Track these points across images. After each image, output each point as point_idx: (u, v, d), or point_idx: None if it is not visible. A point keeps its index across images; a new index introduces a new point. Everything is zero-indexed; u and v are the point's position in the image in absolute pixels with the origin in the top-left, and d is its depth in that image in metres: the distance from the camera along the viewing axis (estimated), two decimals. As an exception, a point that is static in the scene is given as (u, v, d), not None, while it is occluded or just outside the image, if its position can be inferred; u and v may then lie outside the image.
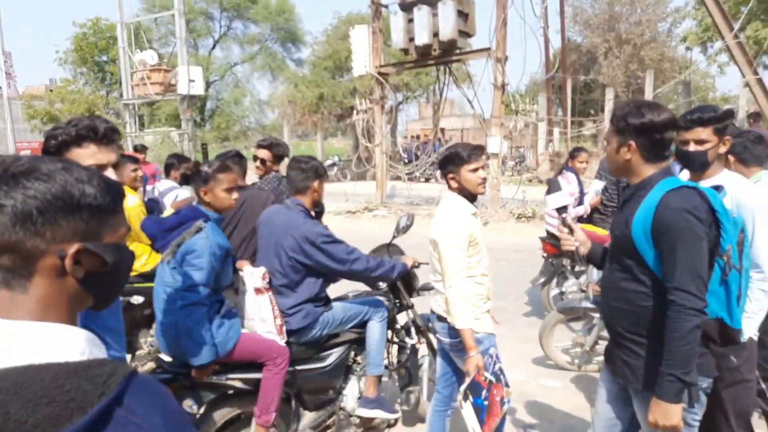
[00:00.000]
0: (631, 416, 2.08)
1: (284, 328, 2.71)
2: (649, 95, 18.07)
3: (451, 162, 2.56)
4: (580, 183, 5.29)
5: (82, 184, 0.77)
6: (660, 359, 1.80)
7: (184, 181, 2.74)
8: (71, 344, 0.74)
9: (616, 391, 2.11)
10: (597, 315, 3.99)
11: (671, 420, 1.75)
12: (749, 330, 2.23)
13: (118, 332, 1.64)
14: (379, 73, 11.87)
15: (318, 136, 26.88)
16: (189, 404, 2.53)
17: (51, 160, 0.78)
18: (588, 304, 4.00)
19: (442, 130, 22.02)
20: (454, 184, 2.57)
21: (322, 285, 2.82)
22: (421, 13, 10.50)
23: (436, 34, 10.48)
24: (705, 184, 2.28)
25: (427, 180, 18.03)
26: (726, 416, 2.23)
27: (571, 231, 2.23)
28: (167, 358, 2.54)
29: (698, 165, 2.32)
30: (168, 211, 4.40)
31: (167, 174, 5.30)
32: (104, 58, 28.42)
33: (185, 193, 4.89)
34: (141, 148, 8.86)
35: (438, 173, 19.49)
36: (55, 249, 0.75)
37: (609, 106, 19.90)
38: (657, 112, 1.85)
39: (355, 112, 13.96)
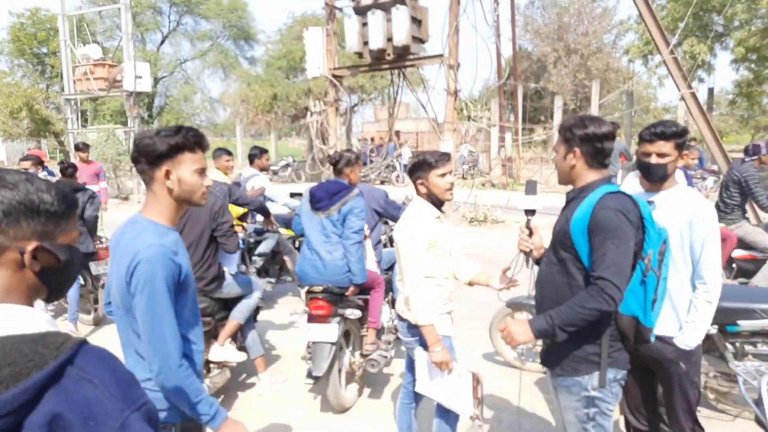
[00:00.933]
0: None
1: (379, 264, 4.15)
2: (595, 103, 18.79)
3: (419, 168, 2.67)
4: (688, 177, 5.19)
5: (41, 192, 0.94)
6: (572, 346, 2.05)
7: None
8: (29, 321, 0.89)
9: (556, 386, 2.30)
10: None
11: (518, 337, 2.03)
12: (696, 338, 2.41)
13: (197, 326, 1.81)
14: (334, 75, 11.82)
15: (272, 136, 26.50)
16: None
17: (16, 172, 0.95)
18: (532, 301, 4.12)
19: (397, 132, 22.14)
20: (422, 190, 2.68)
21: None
22: (375, 17, 10.53)
23: (390, 39, 10.52)
24: (661, 195, 2.47)
25: (382, 182, 18.08)
26: (677, 414, 2.49)
27: (531, 234, 2.36)
28: (317, 288, 3.65)
29: (658, 177, 2.45)
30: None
31: (251, 162, 6.13)
32: (44, 50, 27.09)
33: (261, 181, 5.89)
34: (83, 147, 8.44)
35: (393, 175, 19.60)
36: (16, 245, 0.92)
37: (558, 113, 20.57)
38: (598, 124, 2.07)
39: (309, 113, 13.84)
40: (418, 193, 2.72)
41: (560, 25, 29.46)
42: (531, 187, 2.34)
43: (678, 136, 2.39)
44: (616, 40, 29.61)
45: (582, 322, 1.92)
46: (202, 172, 1.72)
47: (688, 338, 2.40)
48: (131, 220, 1.74)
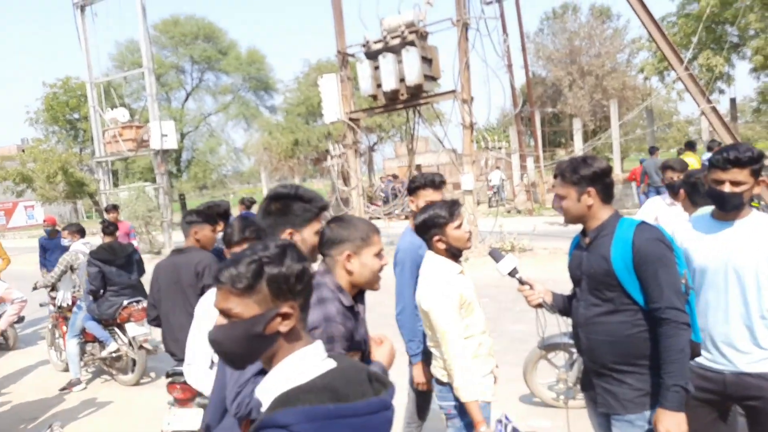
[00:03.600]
0: None
1: None
2: (615, 123, 18.66)
3: (433, 225, 2.47)
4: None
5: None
6: (637, 382, 2.09)
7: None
8: None
9: (603, 423, 2.29)
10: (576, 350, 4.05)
11: (682, 427, 1.96)
12: None
13: None
14: (350, 119, 12.09)
15: (296, 180, 27.04)
16: None
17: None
18: (567, 339, 4.03)
19: (419, 167, 22.33)
20: (441, 246, 2.49)
21: None
22: (386, 60, 10.81)
23: (402, 80, 10.76)
24: (736, 225, 2.31)
25: (406, 217, 18.16)
26: None
27: (531, 287, 2.38)
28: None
29: (733, 206, 2.27)
30: None
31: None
32: (75, 116, 28.48)
33: None
34: (111, 208, 8.76)
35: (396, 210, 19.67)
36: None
37: (578, 135, 20.48)
38: (599, 162, 2.19)
39: (329, 156, 14.11)
40: (435, 250, 2.52)
41: (572, 49, 29.65)
42: (496, 255, 2.39)
43: (754, 161, 2.19)
44: (629, 59, 29.63)
45: (688, 359, 2.00)
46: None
47: None
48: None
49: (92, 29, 16.71)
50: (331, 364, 1.14)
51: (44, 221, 8.43)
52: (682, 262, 2.13)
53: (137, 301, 5.63)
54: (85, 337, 5.86)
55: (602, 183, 2.16)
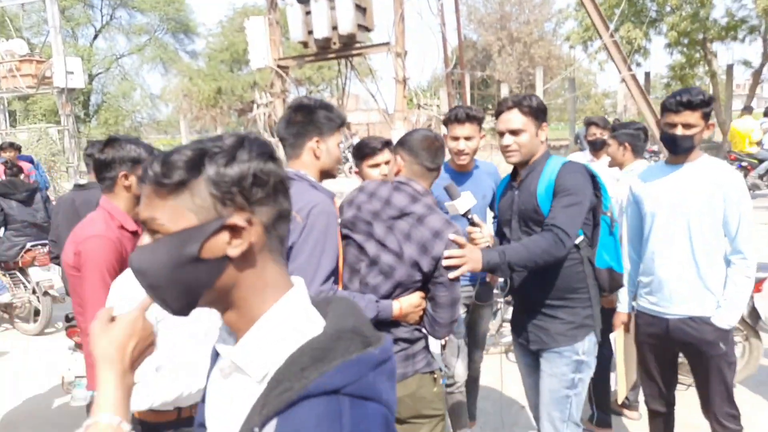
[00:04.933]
0: None
1: None
2: (539, 90, 19.19)
3: (354, 156, 2.61)
4: None
5: None
6: (568, 315, 2.13)
7: None
8: None
9: (532, 363, 2.33)
10: (500, 300, 4.17)
11: (470, 264, 1.87)
12: (736, 316, 2.29)
13: None
14: (279, 66, 11.54)
15: (218, 131, 25.78)
16: None
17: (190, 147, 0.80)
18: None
19: (348, 124, 21.96)
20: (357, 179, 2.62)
21: None
22: (318, 5, 10.31)
23: (335, 28, 10.34)
24: (686, 167, 2.31)
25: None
26: (713, 399, 2.35)
27: (480, 227, 2.22)
28: None
29: (684, 149, 2.27)
30: None
31: None
32: (-36, 46, 25.22)
33: None
34: (7, 146, 7.82)
35: (346, 167, 19.50)
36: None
37: (504, 101, 20.89)
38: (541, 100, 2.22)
39: (255, 105, 13.47)
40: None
41: (503, 15, 30.03)
42: (453, 192, 2.17)
43: (705, 105, 2.21)
44: (556, 28, 30.46)
45: (532, 263, 1.98)
46: None
47: (728, 316, 2.26)
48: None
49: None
50: (333, 306, 0.85)
51: None
52: (607, 197, 2.19)
53: (43, 244, 5.12)
54: None
55: (547, 119, 2.21)
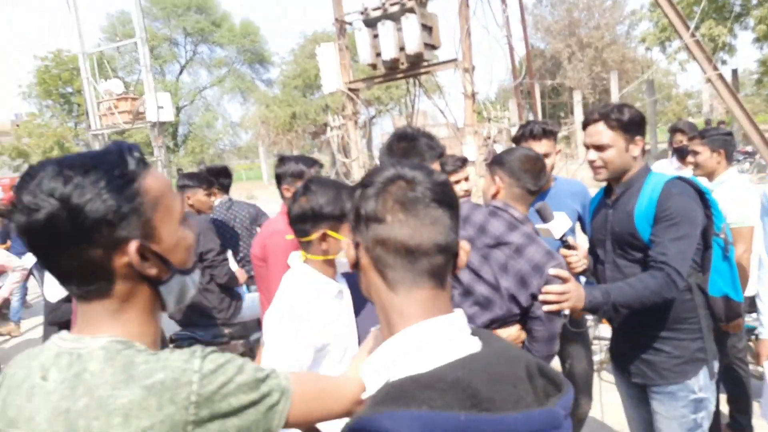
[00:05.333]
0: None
1: None
2: (615, 95, 18.50)
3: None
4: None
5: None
6: (676, 349, 1.92)
7: None
8: None
9: (636, 395, 2.13)
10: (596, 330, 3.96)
11: (572, 301, 1.73)
12: None
13: None
14: (349, 89, 11.93)
15: (295, 154, 26.83)
16: None
17: (425, 167, 0.86)
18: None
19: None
20: None
21: None
22: (385, 28, 10.61)
23: (402, 48, 10.58)
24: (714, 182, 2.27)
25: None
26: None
27: (576, 249, 2.04)
28: None
29: None
30: None
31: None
32: (69, 89, 28.02)
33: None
34: None
35: None
36: (456, 246, 0.86)
37: (578, 108, 20.32)
38: (637, 110, 1.98)
39: (328, 128, 13.96)
40: None
41: (571, 21, 29.26)
42: (546, 214, 1.97)
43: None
44: (629, 31, 29.29)
45: (639, 304, 1.80)
46: None
47: None
48: None
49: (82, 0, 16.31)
50: (475, 345, 0.78)
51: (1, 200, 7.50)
52: (719, 217, 1.96)
53: None
54: None
55: (644, 132, 1.98)
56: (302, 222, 1.67)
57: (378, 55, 10.99)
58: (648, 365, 1.98)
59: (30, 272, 4.47)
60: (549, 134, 2.58)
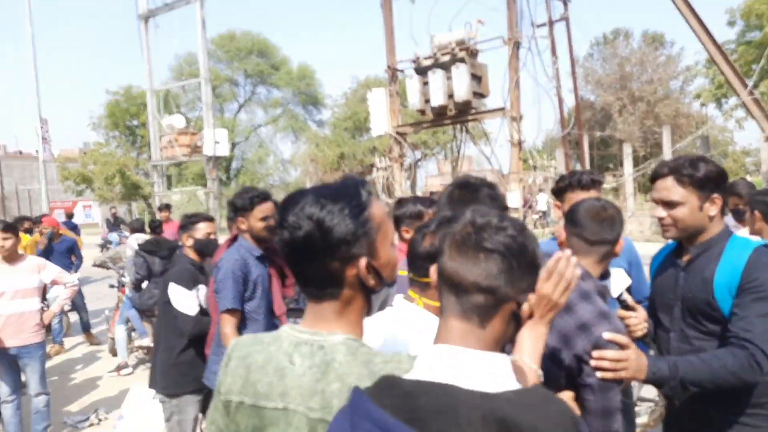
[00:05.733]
0: None
1: None
2: (667, 150, 18.14)
3: None
4: None
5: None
6: (752, 417, 1.71)
7: None
8: (512, 373, 0.90)
9: None
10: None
11: (631, 372, 1.53)
12: None
13: None
14: (397, 133, 12.25)
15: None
16: None
17: (514, 222, 0.95)
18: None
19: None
20: None
21: None
22: (435, 76, 10.94)
23: (451, 96, 10.86)
24: None
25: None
26: None
27: (635, 310, 1.86)
28: None
29: None
30: None
31: None
32: (135, 122, 29.78)
33: None
34: (164, 207, 9.16)
35: None
36: (518, 297, 0.91)
37: (628, 161, 19.98)
38: (717, 163, 1.80)
39: (375, 169, 14.29)
40: None
41: (622, 75, 29.13)
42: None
43: None
44: (683, 86, 28.83)
45: (712, 385, 1.62)
46: None
47: None
48: None
49: (154, 40, 17.63)
50: (488, 386, 0.84)
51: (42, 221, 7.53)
52: None
53: None
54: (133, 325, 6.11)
55: (725, 189, 1.78)
56: (426, 261, 1.56)
57: (427, 101, 11.33)
58: None
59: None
60: (597, 184, 2.42)
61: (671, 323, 1.85)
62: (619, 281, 1.81)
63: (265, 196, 3.00)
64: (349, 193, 1.03)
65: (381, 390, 0.83)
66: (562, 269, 1.30)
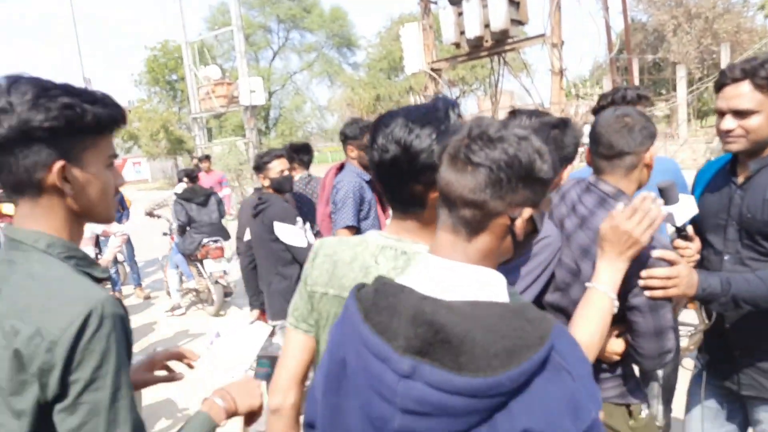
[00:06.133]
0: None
1: None
2: (724, 70, 16.87)
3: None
4: None
5: (539, 158, 0.87)
6: None
7: None
8: (500, 288, 0.87)
9: (730, 408, 1.89)
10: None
11: (682, 287, 1.43)
12: None
13: None
14: (432, 69, 11.86)
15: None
16: None
17: (516, 132, 0.87)
18: None
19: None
20: None
21: None
22: (470, 5, 10.39)
23: (487, 25, 10.33)
24: None
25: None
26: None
27: (692, 241, 1.71)
28: None
29: None
30: None
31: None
32: (174, 77, 30.14)
33: None
34: (203, 158, 9.35)
35: None
36: (509, 212, 0.86)
37: (682, 84, 18.78)
38: None
39: (411, 110, 14.03)
40: None
41: (679, -10, 26.87)
42: (671, 194, 1.59)
43: None
44: (747, -2, 26.38)
45: (766, 303, 1.50)
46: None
47: None
48: None
49: (186, -9, 17.45)
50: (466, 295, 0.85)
51: None
52: None
53: (215, 240, 6.07)
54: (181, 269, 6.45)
55: None
56: None
57: (462, 33, 10.80)
58: (765, 375, 1.70)
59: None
60: (644, 100, 2.23)
61: (724, 246, 1.73)
62: (686, 210, 1.60)
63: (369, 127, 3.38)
64: (438, 116, 1.05)
65: (368, 286, 0.91)
66: (646, 207, 1.32)
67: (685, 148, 15.01)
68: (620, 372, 1.58)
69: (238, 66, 15.98)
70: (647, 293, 1.40)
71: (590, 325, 1.33)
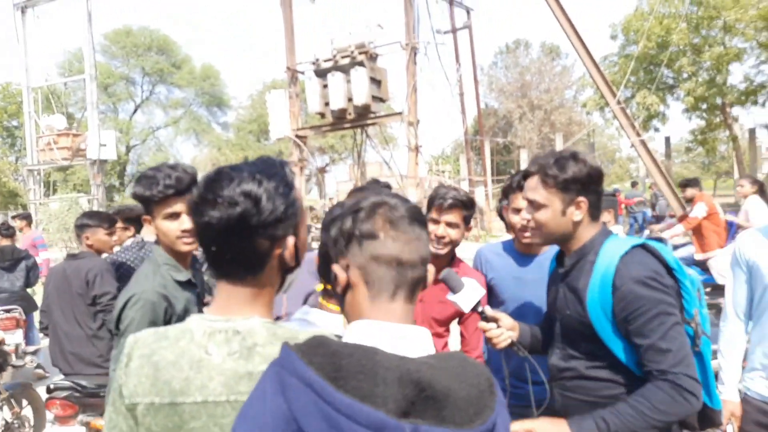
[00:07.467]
0: None
1: None
2: (559, 155, 19.34)
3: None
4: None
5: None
6: None
7: None
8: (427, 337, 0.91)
9: None
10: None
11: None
12: None
13: None
14: (297, 136, 11.98)
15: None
16: None
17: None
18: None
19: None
20: None
21: None
22: (335, 78, 10.83)
23: (350, 99, 10.79)
24: None
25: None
26: None
27: (497, 323, 1.69)
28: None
29: None
30: None
31: None
32: (14, 123, 27.13)
33: None
34: (22, 218, 7.95)
35: None
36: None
37: (524, 166, 21.06)
38: (591, 160, 1.60)
39: (276, 174, 13.94)
40: None
41: (523, 83, 30.80)
42: (453, 282, 1.61)
43: None
44: (576, 96, 30.98)
45: (649, 429, 1.42)
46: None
47: None
48: None
49: (35, 33, 16.06)
50: (417, 353, 0.85)
51: None
52: (691, 297, 1.55)
53: (8, 310, 5.25)
54: None
55: (595, 192, 1.59)
56: None
57: (327, 104, 11.17)
58: None
59: None
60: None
61: (555, 339, 1.69)
62: (471, 294, 1.59)
63: None
64: (277, 171, 1.03)
65: (310, 348, 0.83)
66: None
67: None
68: None
69: (89, 117, 14.82)
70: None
71: None
